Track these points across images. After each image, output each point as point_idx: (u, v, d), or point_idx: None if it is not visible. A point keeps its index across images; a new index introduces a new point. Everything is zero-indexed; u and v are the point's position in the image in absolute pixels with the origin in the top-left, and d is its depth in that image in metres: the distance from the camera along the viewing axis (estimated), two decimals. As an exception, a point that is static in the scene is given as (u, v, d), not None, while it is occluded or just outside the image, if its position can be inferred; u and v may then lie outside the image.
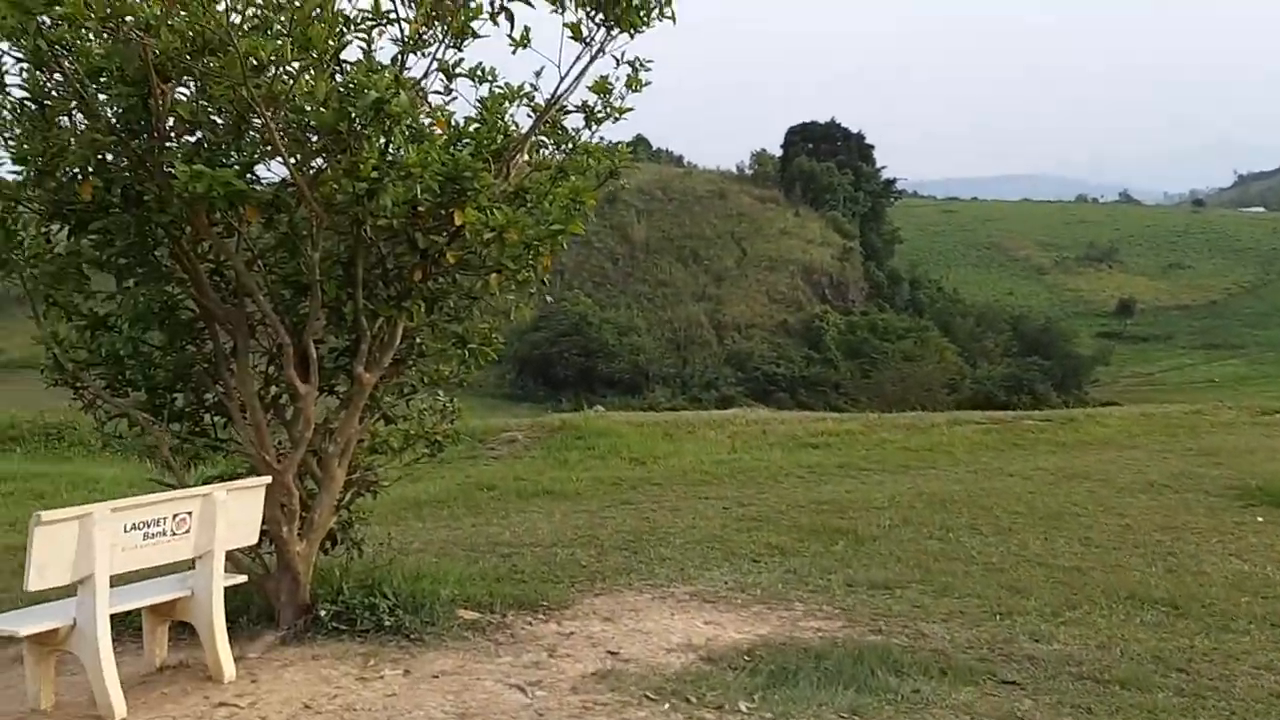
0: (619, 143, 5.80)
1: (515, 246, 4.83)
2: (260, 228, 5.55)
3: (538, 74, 5.28)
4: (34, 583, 4.13)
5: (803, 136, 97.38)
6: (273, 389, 5.80)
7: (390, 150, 4.61)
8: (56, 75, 4.81)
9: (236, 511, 4.84)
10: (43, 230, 5.36)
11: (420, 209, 4.94)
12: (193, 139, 4.81)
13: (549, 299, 5.86)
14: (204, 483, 5.99)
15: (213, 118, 4.70)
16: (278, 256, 5.48)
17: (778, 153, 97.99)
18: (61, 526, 4.20)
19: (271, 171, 4.91)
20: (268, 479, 5.04)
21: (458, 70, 5.06)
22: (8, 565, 7.70)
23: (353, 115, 4.25)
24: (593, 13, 5.03)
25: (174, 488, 5.76)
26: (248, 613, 5.54)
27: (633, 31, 5.23)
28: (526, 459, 12.46)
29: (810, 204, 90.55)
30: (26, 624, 4.32)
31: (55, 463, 13.48)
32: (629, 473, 11.21)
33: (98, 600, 4.29)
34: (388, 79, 4.28)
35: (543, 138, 5.69)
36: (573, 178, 5.21)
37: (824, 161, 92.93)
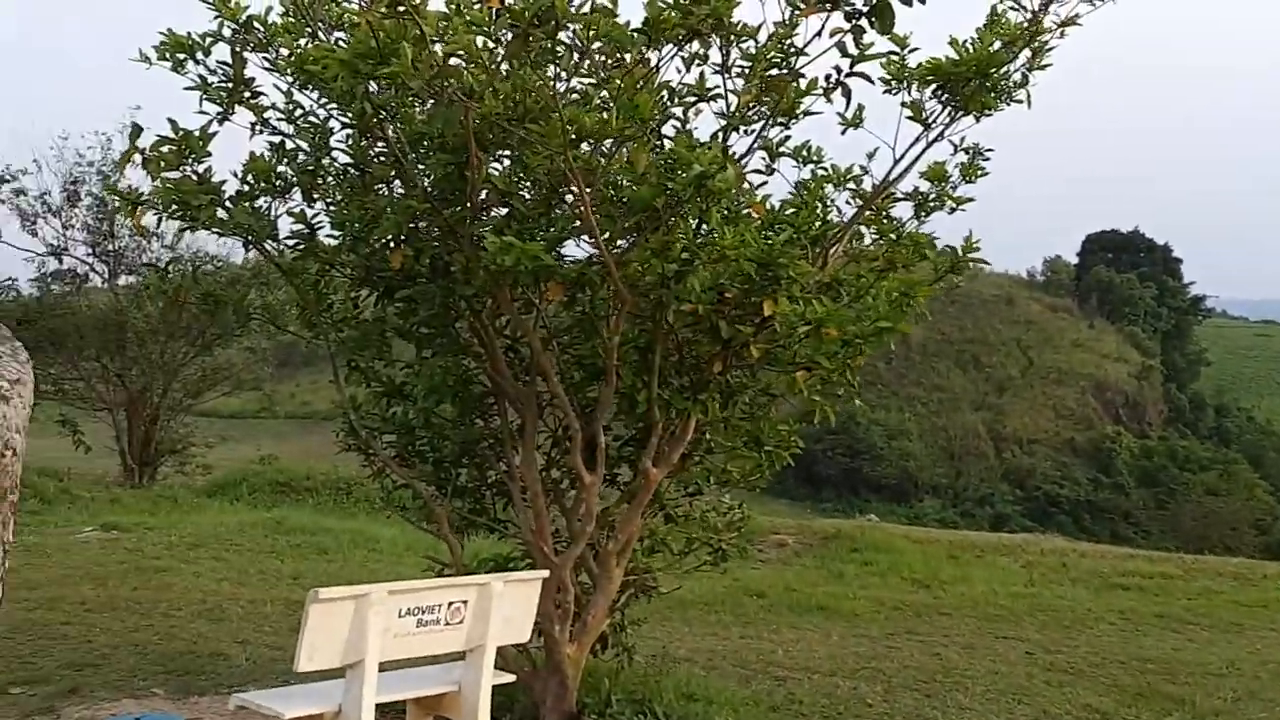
0: (940, 244, 5.22)
1: (833, 343, 4.31)
2: (559, 306, 5.35)
3: (870, 156, 4.80)
4: (304, 663, 3.93)
5: (1101, 245, 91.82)
6: (552, 473, 5.55)
7: (703, 231, 4.25)
8: (379, 144, 4.82)
9: (512, 605, 4.52)
10: (351, 295, 5.39)
11: (727, 295, 4.54)
12: (503, 212, 4.67)
13: (857, 401, 5.28)
14: (476, 566, 5.78)
15: (524, 191, 4.52)
16: (573, 337, 5.24)
17: (1073, 260, 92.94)
18: (337, 606, 4.00)
19: (579, 248, 4.68)
20: (545, 573, 4.71)
21: (781, 149, 4.66)
22: (286, 622, 7.83)
23: (671, 190, 3.91)
24: (939, 92, 4.51)
25: (447, 569, 5.59)
26: (511, 711, 5.21)
27: (979, 115, 4.67)
28: (797, 566, 11.77)
29: (1107, 317, 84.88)
30: (292, 706, 4.13)
31: (341, 517, 14.08)
32: (912, 596, 10.29)
33: (365, 688, 4.05)
34: (713, 153, 3.92)
35: (861, 226, 5.19)
36: (901, 270, 4.66)
37: (1124, 273, 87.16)
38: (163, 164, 4.44)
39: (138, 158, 4.45)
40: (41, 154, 18.76)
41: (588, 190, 3.91)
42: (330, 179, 5.02)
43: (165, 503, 13.84)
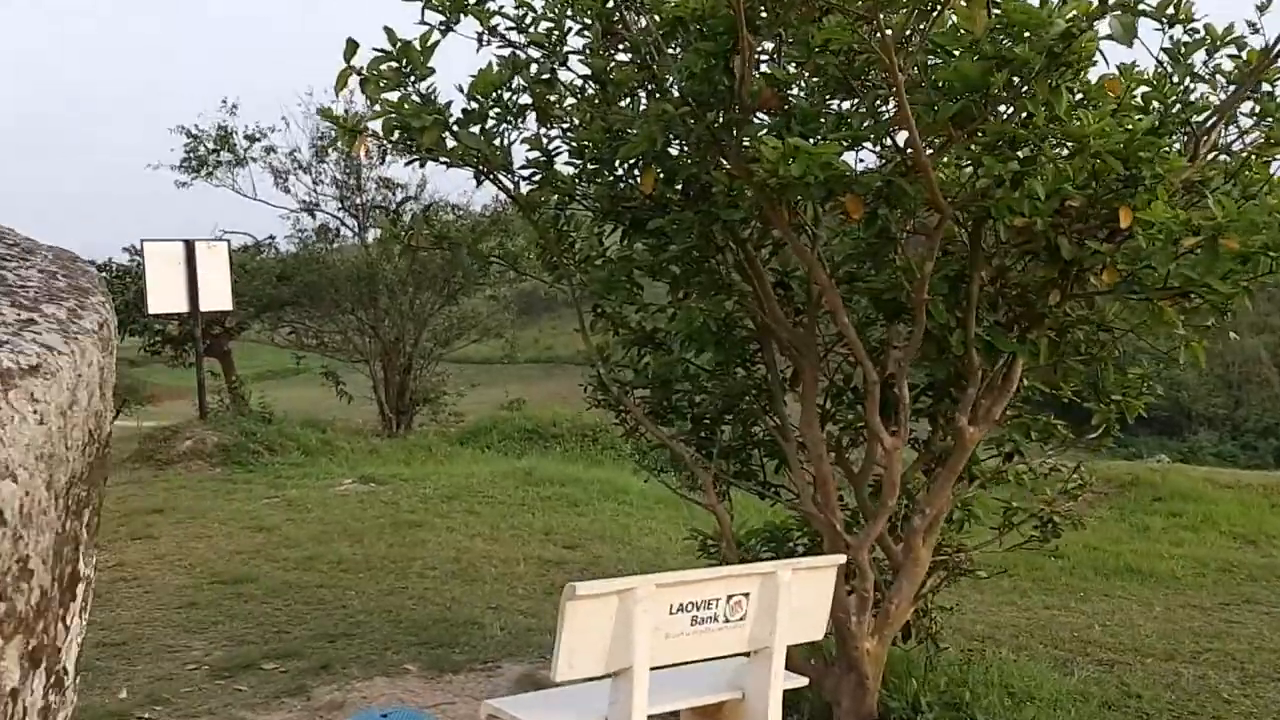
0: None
1: (1229, 259, 3.19)
2: (831, 232, 4.45)
3: (1262, 8, 3.59)
4: (563, 671, 3.27)
5: None
6: (827, 429, 4.68)
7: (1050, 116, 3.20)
8: (621, 47, 4.03)
9: (802, 596, 3.70)
10: (595, 231, 4.67)
11: (1070, 204, 3.49)
12: (770, 117, 3.77)
13: (1234, 335, 4.11)
14: (745, 537, 5.02)
15: (803, 81, 3.61)
16: (860, 267, 4.30)
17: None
18: (598, 603, 3.30)
19: (870, 152, 3.73)
20: (840, 558, 3.86)
21: (1141, 5, 3.54)
22: (539, 583, 7.38)
23: (1012, 62, 2.90)
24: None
25: (712, 541, 4.86)
26: (799, 712, 4.44)
27: None
28: (1093, 519, 10.39)
29: None
30: (550, 717, 3.50)
31: (588, 465, 13.74)
32: (1238, 555, 8.82)
33: (634, 697, 3.36)
34: (1072, 6, 2.88)
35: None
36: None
37: None
38: (382, 83, 3.81)
39: (354, 79, 3.84)
40: (289, 111, 19.29)
41: (901, 68, 2.95)
42: (567, 98, 4.29)
43: (420, 452, 13.92)
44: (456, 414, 17.72)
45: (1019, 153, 3.24)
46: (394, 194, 16.45)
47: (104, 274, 19.12)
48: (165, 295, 12.48)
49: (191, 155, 16.28)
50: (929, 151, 3.32)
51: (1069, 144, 3.24)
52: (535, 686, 5.28)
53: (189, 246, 12.58)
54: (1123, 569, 8.19)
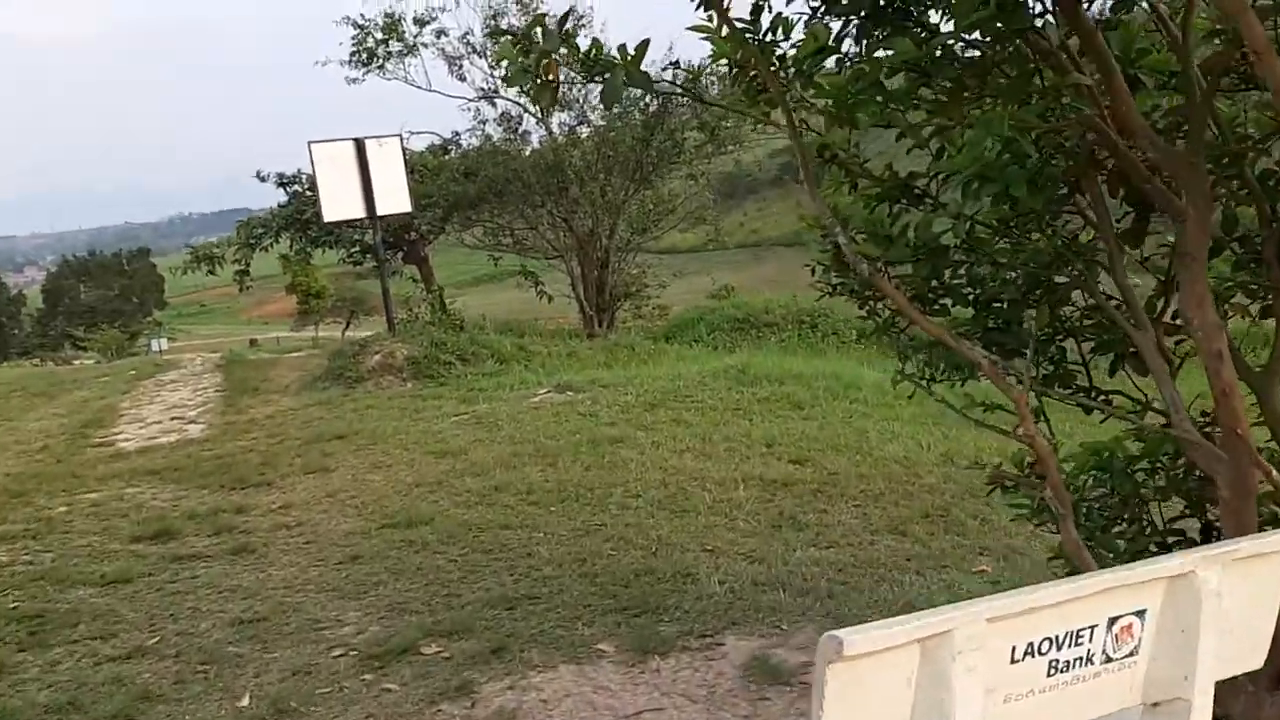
0: None
1: None
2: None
3: None
4: (825, 786, 1.81)
5: None
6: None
7: None
8: None
9: (1235, 604, 2.10)
10: (819, 16, 3.03)
11: None
12: None
13: None
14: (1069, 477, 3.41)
15: None
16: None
17: None
18: (885, 663, 1.81)
19: None
20: (1303, 537, 2.20)
21: None
22: (764, 515, 5.95)
23: None
24: None
25: (1039, 492, 3.25)
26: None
27: None
28: None
29: None
30: None
31: (809, 356, 12.18)
32: None
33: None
34: None
35: None
36: None
37: None
38: None
39: None
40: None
41: None
42: None
43: (622, 352, 12.75)
44: (660, 307, 16.45)
45: None
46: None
47: (295, 186, 18.77)
48: (340, 201, 11.62)
49: (359, 48, 15.31)
50: None
51: None
52: (767, 674, 3.91)
53: (359, 145, 11.62)
54: None
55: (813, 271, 3.67)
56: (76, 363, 50.47)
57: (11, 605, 5.05)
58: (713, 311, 15.44)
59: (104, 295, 72.20)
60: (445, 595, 5.00)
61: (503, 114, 15.59)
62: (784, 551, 5.30)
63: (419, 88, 15.42)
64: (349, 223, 13.97)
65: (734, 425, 8.11)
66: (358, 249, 19.27)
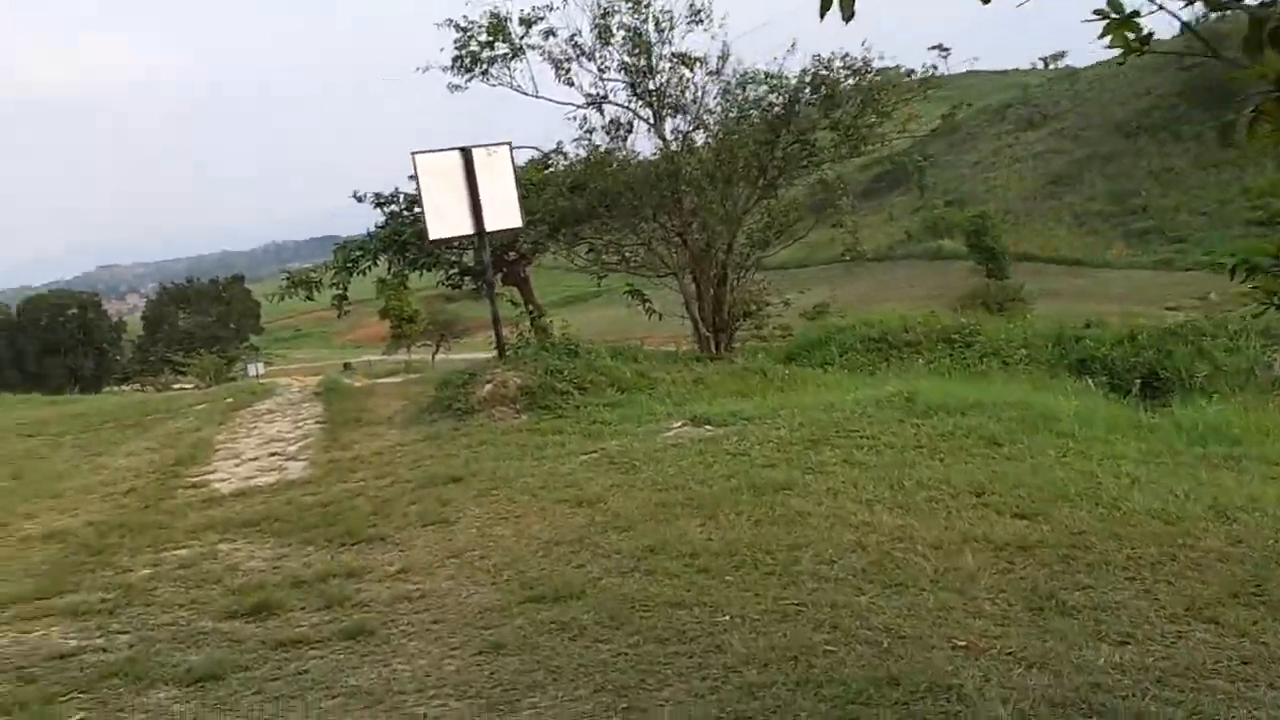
0: None
1: None
2: None
3: None
4: None
5: None
6: None
7: None
8: None
9: None
10: None
11: None
12: None
13: None
14: None
15: None
16: None
17: None
18: None
19: None
20: None
21: None
22: (1012, 589, 4.64)
23: None
24: None
25: None
26: None
27: None
28: None
29: None
30: None
31: (971, 380, 10.79)
32: None
33: None
34: None
35: None
36: None
37: None
38: None
39: None
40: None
41: None
42: None
43: (753, 378, 11.50)
44: (783, 327, 15.16)
45: None
46: (691, 71, 13.84)
47: (392, 206, 17.94)
48: (446, 217, 10.60)
49: (463, 51, 14.35)
50: None
51: None
52: None
53: (465, 155, 10.61)
54: None
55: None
56: (176, 388, 50.92)
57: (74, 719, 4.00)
58: (842, 330, 14.12)
59: (202, 321, 73.25)
60: (625, 709, 3.81)
61: (611, 121, 14.50)
62: (1064, 650, 4.00)
63: (525, 94, 14.42)
64: (452, 241, 13.00)
65: (923, 468, 6.80)
66: (455, 271, 18.35)
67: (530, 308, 16.58)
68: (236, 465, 9.90)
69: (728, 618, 4.59)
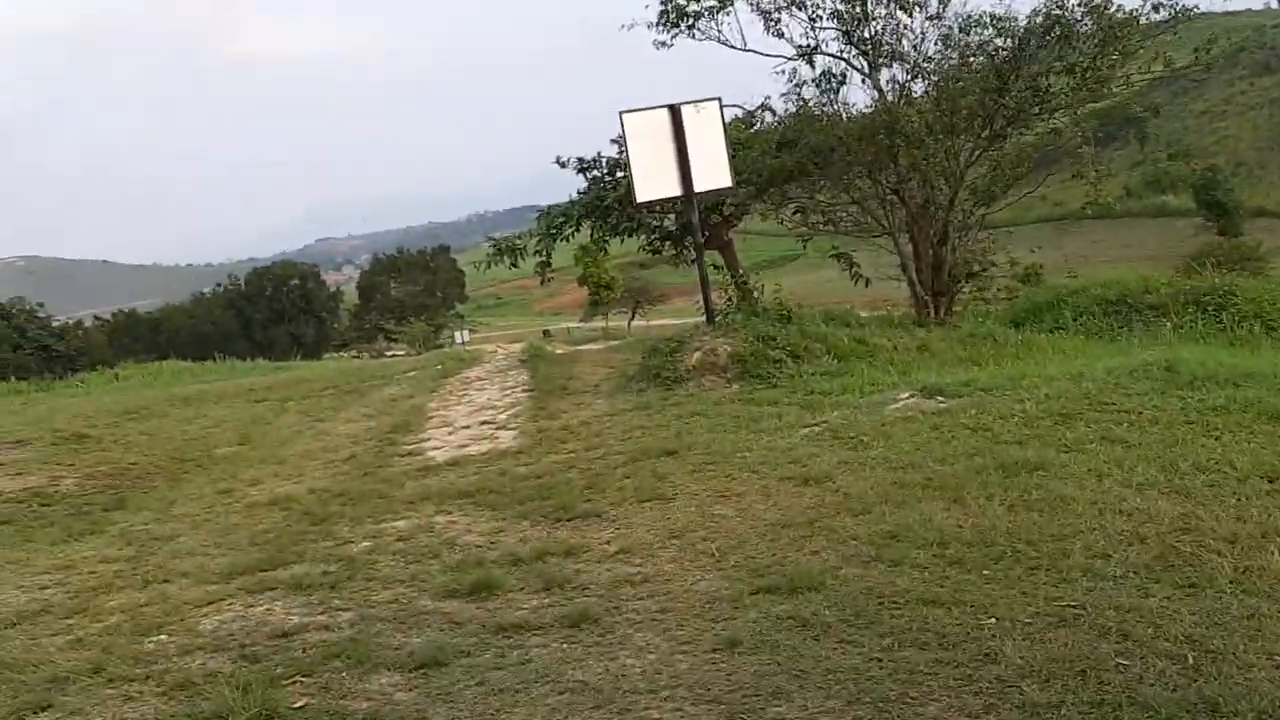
0: None
1: None
2: None
3: None
4: None
5: None
6: None
7: None
8: None
9: None
10: None
11: None
12: None
13: None
14: None
15: None
16: None
17: None
18: None
19: None
20: None
21: None
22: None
23: None
24: None
25: None
26: None
27: None
28: None
29: None
30: None
31: (1232, 347, 9.65)
32: None
33: None
34: None
35: None
36: None
37: None
38: None
39: None
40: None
41: None
42: None
43: (982, 344, 10.67)
44: (1008, 289, 14.13)
45: None
46: (910, 16, 12.95)
47: (594, 171, 17.80)
48: (654, 178, 10.24)
49: (668, 6, 13.93)
50: None
51: None
52: None
53: (674, 113, 10.20)
54: None
55: None
56: (388, 354, 53.35)
57: (297, 705, 3.83)
58: (1075, 293, 12.97)
59: (411, 290, 76.42)
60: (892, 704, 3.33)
61: (823, 73, 13.78)
62: None
63: (732, 47, 13.90)
64: (657, 204, 12.65)
65: (1197, 447, 5.96)
66: (656, 236, 18.08)
67: (736, 272, 16.11)
68: (450, 433, 9.92)
69: (994, 620, 4.03)
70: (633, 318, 67.44)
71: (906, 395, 8.27)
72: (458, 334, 59.89)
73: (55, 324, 53.91)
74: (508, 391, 12.59)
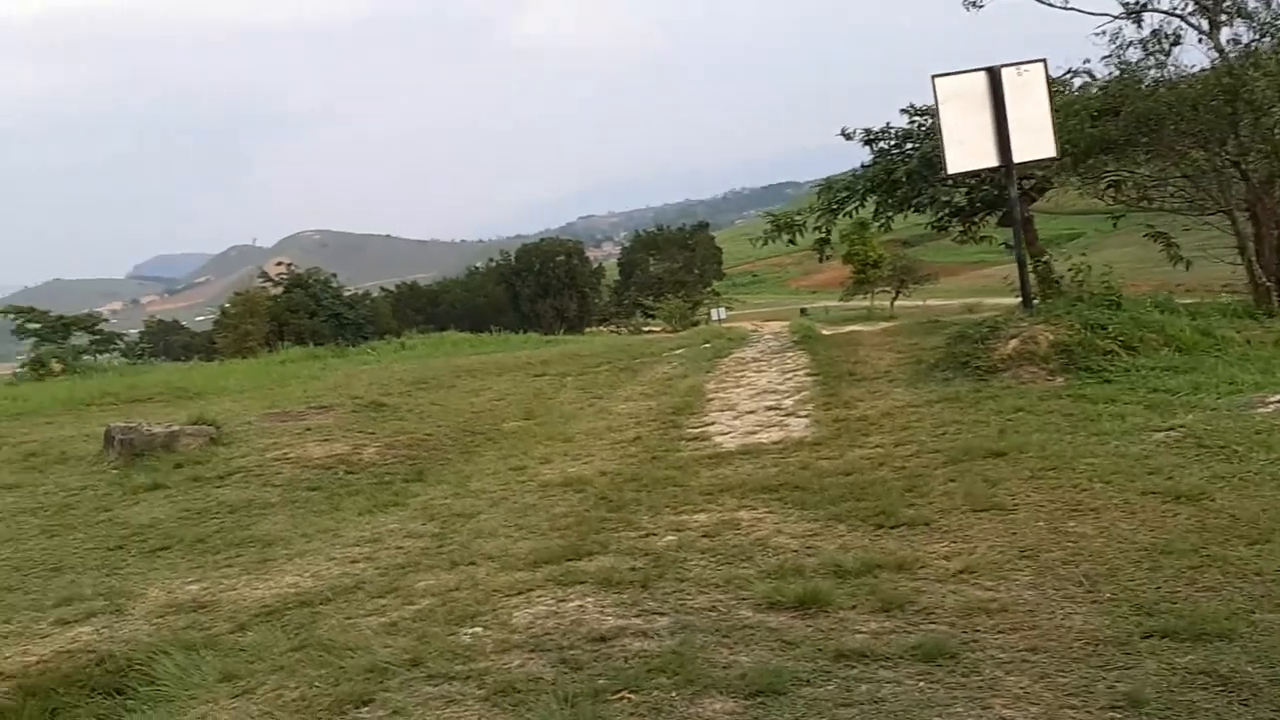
0: None
1: None
2: None
3: None
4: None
5: None
6: None
7: None
8: None
9: None
10: None
11: None
12: None
13: None
14: None
15: None
16: None
17: None
18: None
19: None
20: None
21: None
22: None
23: None
24: None
25: None
26: None
27: None
28: None
29: None
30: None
31: None
32: None
33: None
34: None
35: None
36: None
37: None
38: None
39: None
40: None
41: None
42: None
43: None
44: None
45: None
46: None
47: (881, 143, 16.87)
48: (969, 148, 9.34)
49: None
50: None
51: None
52: None
53: (992, 76, 9.26)
54: None
55: None
56: (646, 330, 53.98)
57: (630, 732, 3.43)
58: None
59: (669, 267, 77.15)
60: None
61: (1152, 32, 12.30)
62: None
63: (1052, 5, 12.64)
64: (969, 176, 11.68)
65: None
66: (946, 211, 16.94)
67: (1037, 253, 14.82)
68: (734, 418, 9.47)
69: None
70: (896, 297, 65.26)
71: (1277, 399, 7.07)
72: (714, 311, 59.89)
73: (346, 294, 57.91)
74: (788, 375, 12.03)
